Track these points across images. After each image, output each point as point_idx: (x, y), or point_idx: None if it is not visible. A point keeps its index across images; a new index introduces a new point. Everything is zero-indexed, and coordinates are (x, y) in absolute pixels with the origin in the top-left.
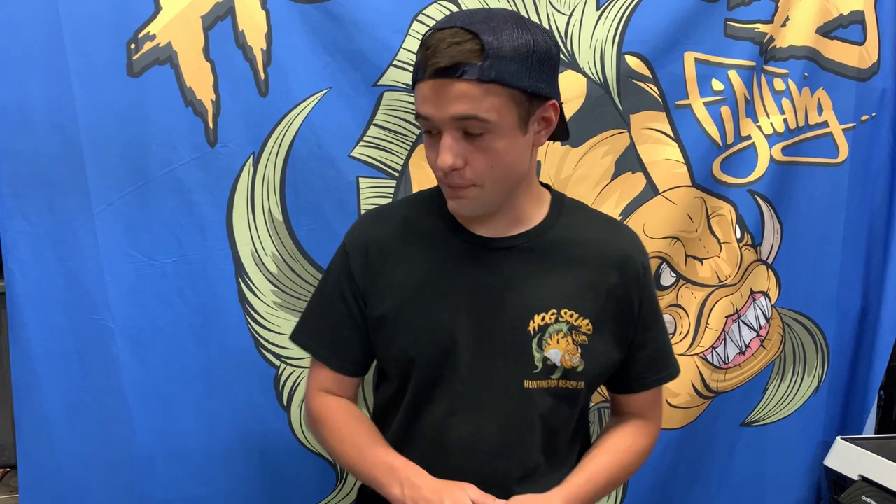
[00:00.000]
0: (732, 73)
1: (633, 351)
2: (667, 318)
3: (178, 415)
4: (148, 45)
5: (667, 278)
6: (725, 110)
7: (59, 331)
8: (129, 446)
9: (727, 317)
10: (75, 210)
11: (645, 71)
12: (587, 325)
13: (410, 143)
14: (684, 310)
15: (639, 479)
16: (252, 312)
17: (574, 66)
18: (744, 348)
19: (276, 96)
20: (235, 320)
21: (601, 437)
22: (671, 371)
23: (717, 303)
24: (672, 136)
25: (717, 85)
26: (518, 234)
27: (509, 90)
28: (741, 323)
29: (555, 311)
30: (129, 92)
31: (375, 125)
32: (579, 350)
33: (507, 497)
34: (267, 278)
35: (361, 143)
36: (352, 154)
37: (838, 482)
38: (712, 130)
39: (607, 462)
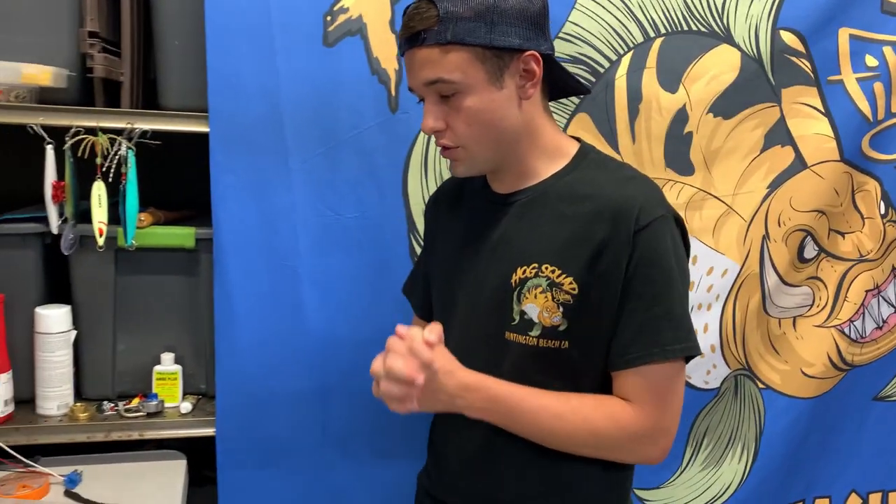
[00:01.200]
0: (888, 50)
1: (619, 318)
2: (804, 290)
3: (354, 355)
4: (342, 18)
5: (809, 251)
6: (878, 86)
7: (256, 274)
8: (310, 380)
9: (867, 291)
10: (274, 167)
11: (799, 46)
12: (570, 283)
13: (569, 113)
14: (823, 283)
15: (770, 443)
16: None
17: (729, 40)
18: (881, 323)
19: None
20: (406, 273)
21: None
22: (663, 350)
23: (857, 277)
24: (822, 111)
25: (871, 61)
26: (520, 189)
27: (469, 48)
28: (881, 298)
29: (536, 265)
30: (323, 61)
31: None
32: (560, 309)
33: (489, 449)
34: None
35: None
36: None
37: None
38: (864, 106)
39: (549, 401)
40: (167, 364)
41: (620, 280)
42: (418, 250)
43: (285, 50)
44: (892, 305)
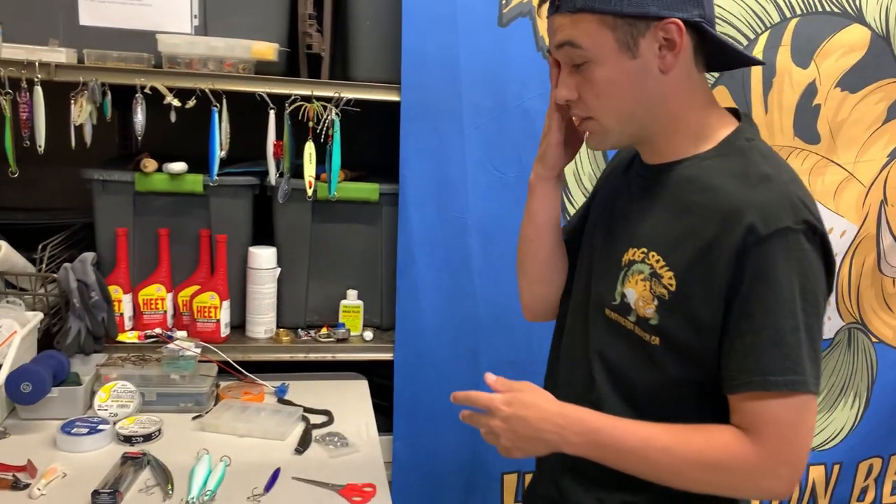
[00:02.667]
0: None
1: (725, 336)
2: None
3: (510, 293)
4: (515, 0)
5: None
6: None
7: (431, 224)
8: (472, 316)
9: None
10: (451, 132)
11: None
12: (670, 278)
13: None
14: None
15: (881, 393)
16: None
17: (861, 20)
18: None
19: None
20: None
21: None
22: (764, 381)
23: None
24: None
25: None
26: (654, 165)
27: (598, 15)
28: None
29: (644, 249)
30: (497, 39)
31: None
32: (655, 301)
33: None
34: (582, 193)
35: None
36: None
37: None
38: None
39: (653, 433)
40: (352, 299)
41: (721, 295)
42: (567, 206)
43: (466, 30)
44: None
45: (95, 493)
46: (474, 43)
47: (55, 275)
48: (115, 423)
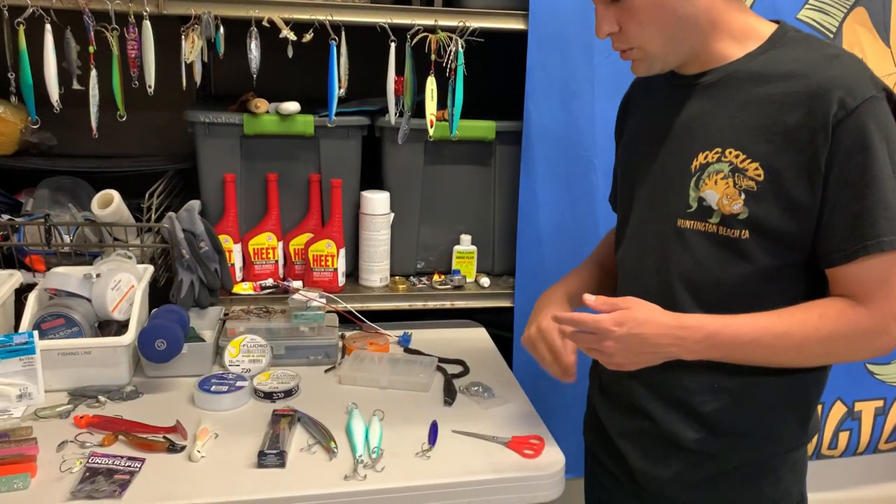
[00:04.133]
0: None
1: (825, 211)
2: None
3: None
4: None
5: None
6: None
7: (556, 163)
8: None
9: None
10: (580, 64)
11: None
12: (755, 168)
13: (847, 6)
14: None
15: None
16: None
17: None
18: None
19: None
20: None
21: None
22: (878, 242)
23: None
24: None
25: None
26: (705, 71)
27: None
28: None
29: (719, 149)
30: None
31: None
32: (742, 195)
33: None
34: None
35: (807, 7)
36: (798, 16)
37: None
38: None
39: (768, 322)
40: (465, 244)
41: (819, 173)
42: None
43: None
44: None
45: (262, 455)
46: None
47: (162, 224)
48: (252, 379)
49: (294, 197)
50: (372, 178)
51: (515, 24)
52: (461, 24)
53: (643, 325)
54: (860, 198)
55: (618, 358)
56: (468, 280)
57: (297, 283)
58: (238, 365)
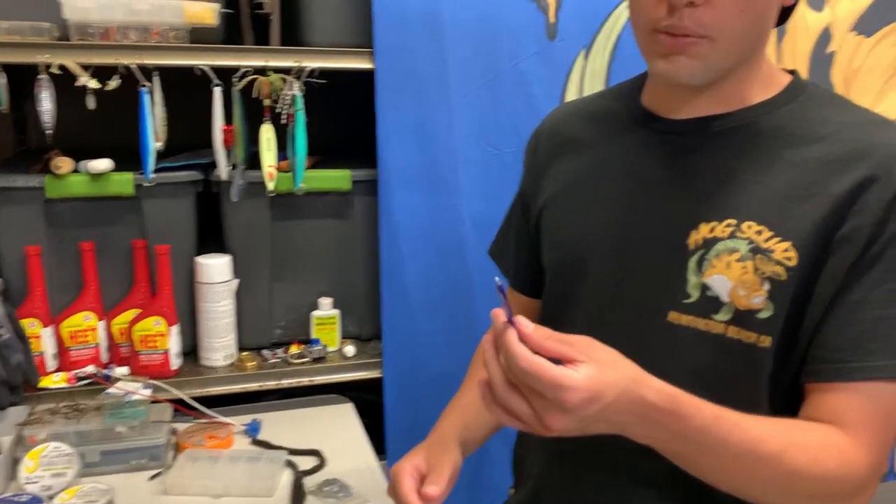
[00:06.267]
0: None
1: (838, 306)
2: None
3: None
4: None
5: None
6: None
7: (419, 214)
8: (470, 316)
9: None
10: (437, 103)
11: None
12: (785, 250)
13: None
14: None
15: None
16: None
17: None
18: None
19: None
20: None
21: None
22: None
23: None
24: None
25: None
26: (714, 116)
27: None
28: None
29: (733, 221)
30: None
31: None
32: (766, 286)
33: (632, 476)
34: None
35: None
36: None
37: None
38: None
39: (763, 431)
40: (326, 309)
41: (857, 254)
42: None
43: None
44: None
45: None
46: None
47: None
48: (51, 500)
49: (116, 268)
50: (213, 240)
51: (361, 64)
52: (297, 64)
53: (614, 388)
54: (886, 302)
55: (562, 423)
56: (330, 349)
57: (122, 370)
58: (36, 482)
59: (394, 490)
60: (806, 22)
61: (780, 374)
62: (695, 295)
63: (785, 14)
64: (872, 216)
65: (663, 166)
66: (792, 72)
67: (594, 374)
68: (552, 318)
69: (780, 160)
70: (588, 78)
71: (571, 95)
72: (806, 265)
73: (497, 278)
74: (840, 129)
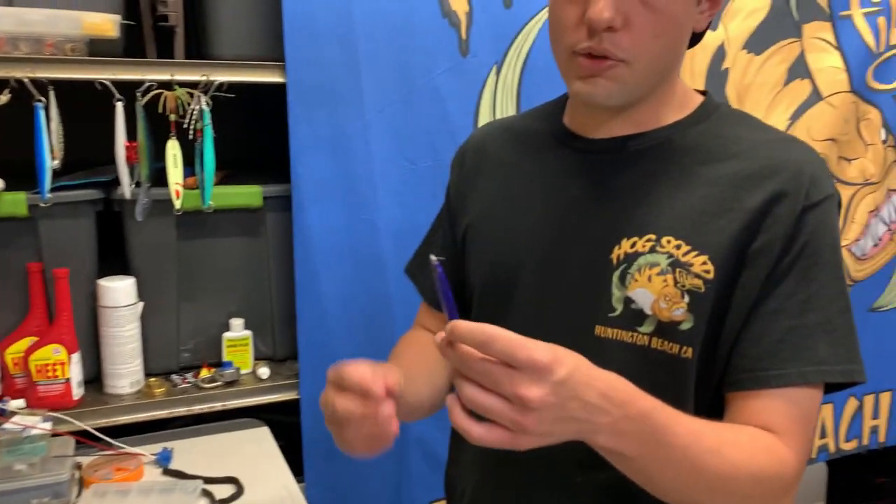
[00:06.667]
0: None
1: (756, 317)
2: None
3: None
4: None
5: None
6: (881, 20)
7: (335, 229)
8: (390, 332)
9: (869, 212)
10: (351, 117)
11: None
12: (703, 263)
13: None
14: None
15: None
16: None
17: None
18: (877, 241)
19: (518, 8)
20: None
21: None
22: (819, 371)
23: (862, 200)
24: (835, 44)
25: None
26: (632, 135)
27: None
28: (878, 218)
29: (653, 236)
30: (397, 2)
31: None
32: (686, 299)
33: (568, 486)
34: None
35: None
36: None
37: None
38: (869, 39)
39: (699, 427)
40: (237, 330)
41: (770, 266)
42: None
43: None
44: (885, 224)
45: None
46: (372, 5)
47: None
48: None
49: (9, 293)
50: (115, 262)
51: (271, 77)
52: (205, 78)
53: (589, 374)
54: (798, 313)
55: (533, 421)
56: (243, 372)
57: (18, 403)
58: None
59: (337, 378)
60: (703, 40)
61: (703, 384)
62: (619, 308)
63: (696, 38)
64: (783, 230)
65: (585, 184)
66: (704, 92)
67: (552, 346)
68: (484, 315)
69: (695, 177)
70: (500, 93)
71: (485, 110)
72: (723, 278)
73: (433, 256)
74: (751, 147)
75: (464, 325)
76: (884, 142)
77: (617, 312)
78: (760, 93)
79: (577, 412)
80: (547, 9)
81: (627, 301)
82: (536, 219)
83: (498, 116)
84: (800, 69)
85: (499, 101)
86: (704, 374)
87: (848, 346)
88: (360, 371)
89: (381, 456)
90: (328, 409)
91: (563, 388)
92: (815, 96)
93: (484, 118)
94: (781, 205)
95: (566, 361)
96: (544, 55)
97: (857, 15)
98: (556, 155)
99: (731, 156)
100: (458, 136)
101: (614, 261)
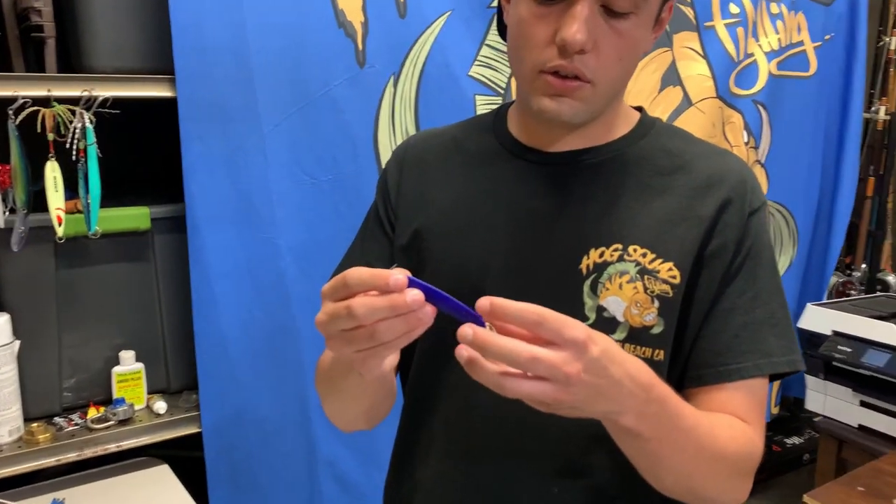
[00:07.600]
0: None
1: (712, 317)
2: None
3: None
4: None
5: None
6: (740, 31)
7: (233, 250)
8: (296, 355)
9: None
10: (246, 132)
11: None
12: (669, 269)
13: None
14: None
15: None
16: None
17: None
18: None
19: (412, 18)
20: None
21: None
22: (770, 362)
23: None
24: (701, 53)
25: (734, 8)
26: (587, 148)
27: None
28: None
29: (619, 245)
30: (291, 14)
31: (487, 45)
32: (656, 304)
33: (545, 496)
34: None
35: (476, 63)
36: (469, 73)
37: (812, 339)
38: (730, 48)
39: (693, 411)
40: (128, 363)
41: (724, 268)
42: None
43: (252, 3)
44: None
45: None
46: (264, 18)
47: None
48: None
49: None
50: None
51: (160, 91)
52: (87, 93)
53: (621, 353)
54: (747, 309)
55: (569, 394)
56: (137, 408)
57: None
58: None
59: (338, 285)
60: None
61: (671, 382)
62: (592, 317)
63: None
64: (733, 234)
65: (544, 195)
66: (639, 108)
67: (584, 327)
68: (436, 351)
69: (650, 188)
70: (399, 104)
71: (384, 121)
72: (686, 282)
73: (396, 267)
74: (692, 160)
75: (514, 305)
76: (746, 143)
77: (590, 321)
78: (638, 100)
79: (607, 390)
80: (439, 19)
81: (600, 310)
82: (497, 228)
83: (397, 127)
84: (672, 77)
85: (397, 112)
86: (672, 372)
87: (790, 337)
88: (364, 268)
89: (290, 480)
90: (336, 324)
91: (596, 364)
92: (686, 102)
93: (383, 129)
94: (729, 212)
95: (598, 340)
96: (438, 65)
97: (720, 25)
98: (512, 166)
99: (678, 168)
100: (359, 147)
101: (584, 270)
